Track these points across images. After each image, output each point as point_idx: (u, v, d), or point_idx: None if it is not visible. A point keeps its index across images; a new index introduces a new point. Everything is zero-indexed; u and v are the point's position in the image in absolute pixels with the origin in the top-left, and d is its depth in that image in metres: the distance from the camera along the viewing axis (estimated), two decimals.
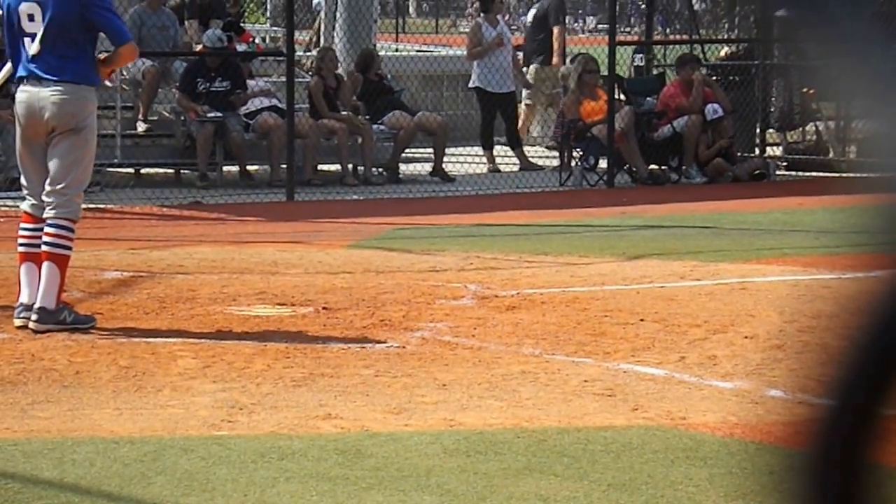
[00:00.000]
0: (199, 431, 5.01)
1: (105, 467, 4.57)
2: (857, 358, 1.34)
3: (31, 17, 6.62)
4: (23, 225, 6.76)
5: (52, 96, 6.57)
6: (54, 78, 6.59)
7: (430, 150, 14.62)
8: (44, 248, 6.52)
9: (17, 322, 6.66)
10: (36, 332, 6.48)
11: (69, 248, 6.57)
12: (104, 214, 11.46)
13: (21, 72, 6.69)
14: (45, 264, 6.51)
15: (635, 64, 15.84)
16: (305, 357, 6.21)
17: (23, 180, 6.78)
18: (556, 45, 15.95)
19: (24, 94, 6.66)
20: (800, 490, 1.33)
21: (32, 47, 6.61)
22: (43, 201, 6.61)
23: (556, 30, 15.95)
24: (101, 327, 6.75)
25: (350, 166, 14.04)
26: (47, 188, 6.58)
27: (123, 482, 4.43)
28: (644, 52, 16.13)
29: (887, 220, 1.32)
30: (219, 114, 13.49)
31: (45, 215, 6.56)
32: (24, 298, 6.68)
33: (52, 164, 6.60)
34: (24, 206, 6.78)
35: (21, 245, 6.72)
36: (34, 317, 6.53)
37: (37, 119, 6.61)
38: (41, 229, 6.63)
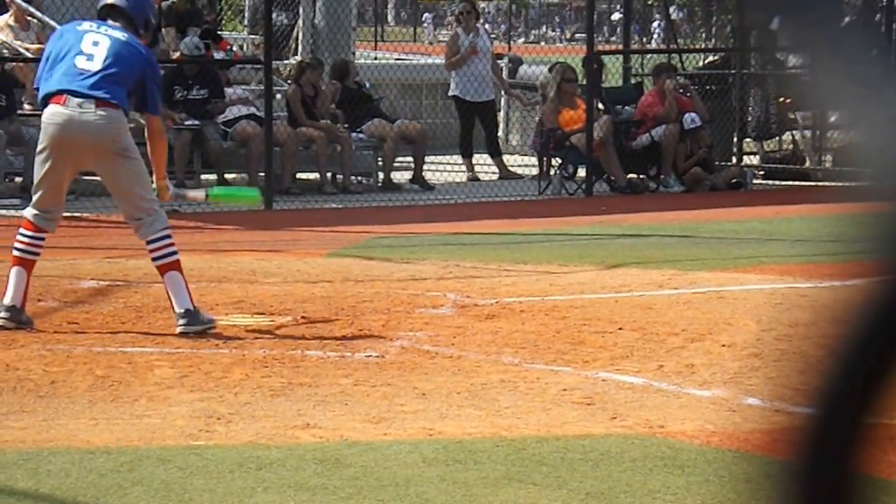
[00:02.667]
0: (177, 441, 4.99)
1: (81, 478, 4.54)
2: (840, 367, 1.34)
3: (94, 44, 6.73)
4: (23, 231, 6.85)
5: (94, 120, 6.63)
6: (98, 99, 6.63)
7: (410, 158, 14.62)
8: (159, 262, 6.74)
9: None
10: (186, 334, 6.66)
11: (177, 252, 6.78)
12: (80, 223, 11.41)
13: (61, 84, 6.65)
14: (167, 276, 6.72)
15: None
16: (284, 366, 6.19)
17: (36, 191, 6.81)
18: None
19: (61, 115, 6.62)
20: (783, 500, 1.33)
21: (88, 63, 6.66)
22: (133, 223, 6.77)
23: None
24: (77, 337, 6.72)
25: (329, 175, 14.03)
26: (131, 214, 6.76)
27: (99, 493, 4.40)
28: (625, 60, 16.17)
29: (866, 229, 1.32)
30: (196, 122, 13.46)
31: (142, 237, 6.76)
32: (6, 300, 6.80)
33: (120, 194, 6.76)
34: (28, 213, 6.86)
35: (16, 249, 6.82)
36: (183, 320, 6.69)
37: (74, 142, 6.65)
38: (41, 238, 6.81)
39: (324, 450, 4.87)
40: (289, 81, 14.92)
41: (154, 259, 6.77)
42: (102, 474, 4.57)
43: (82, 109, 6.64)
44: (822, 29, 1.30)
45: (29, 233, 6.81)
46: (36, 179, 6.81)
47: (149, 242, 6.76)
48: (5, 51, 13.63)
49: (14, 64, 13.58)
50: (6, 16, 13.70)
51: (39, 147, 6.78)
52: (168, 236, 6.77)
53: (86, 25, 6.86)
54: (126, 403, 5.54)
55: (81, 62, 6.68)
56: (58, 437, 5.04)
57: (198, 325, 6.71)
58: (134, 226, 6.80)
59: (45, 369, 6.07)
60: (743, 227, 11.60)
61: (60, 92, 6.67)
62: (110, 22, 6.83)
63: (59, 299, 7.74)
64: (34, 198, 6.82)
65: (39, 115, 6.76)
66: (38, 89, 6.88)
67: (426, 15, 43.81)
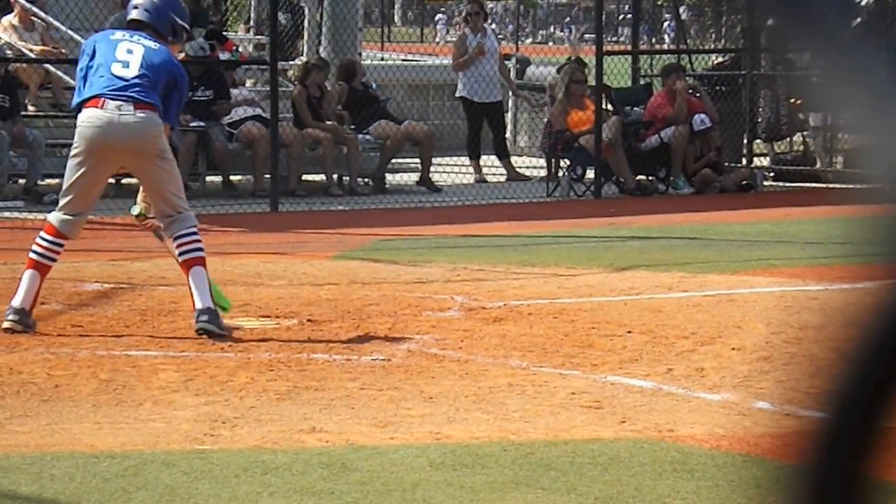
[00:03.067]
0: (181, 446, 4.99)
1: (85, 482, 4.55)
2: (851, 370, 1.34)
3: (129, 51, 6.79)
4: (43, 235, 6.86)
5: (134, 122, 6.68)
6: (136, 101, 6.68)
7: (417, 159, 14.63)
8: (185, 257, 6.75)
9: (5, 324, 6.74)
10: (209, 333, 6.67)
11: (203, 250, 6.82)
12: (84, 225, 11.41)
13: (99, 90, 6.69)
14: (192, 271, 6.72)
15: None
16: (290, 370, 6.20)
17: (64, 194, 6.82)
18: None
19: (101, 118, 6.66)
20: None
21: (124, 70, 6.72)
22: (164, 221, 6.81)
23: None
24: (81, 340, 6.73)
25: (335, 176, 14.03)
26: (164, 213, 6.80)
27: (104, 498, 4.41)
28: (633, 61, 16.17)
29: (877, 232, 1.32)
30: (201, 123, 13.47)
31: (171, 233, 6.79)
32: (16, 302, 6.79)
33: (157, 194, 6.81)
34: (53, 218, 6.86)
35: (34, 252, 6.83)
36: (204, 317, 6.70)
37: (114, 145, 6.68)
38: (61, 245, 6.82)
39: (330, 454, 4.87)
40: (295, 82, 14.94)
41: (180, 254, 6.78)
42: (106, 479, 4.57)
43: (121, 112, 6.69)
44: (831, 33, 1.30)
45: (49, 237, 6.80)
46: (67, 183, 6.80)
47: (176, 238, 6.79)
48: (9, 52, 13.63)
49: (18, 65, 13.60)
50: (10, 16, 13.73)
51: (74, 150, 6.78)
52: (195, 233, 6.81)
53: (118, 35, 6.94)
54: (130, 407, 5.55)
55: (118, 69, 6.75)
56: (61, 441, 5.04)
57: (216, 328, 6.71)
58: (165, 223, 6.85)
59: (48, 373, 6.08)
60: (753, 230, 11.59)
61: (98, 96, 6.70)
62: (141, 32, 6.92)
63: (63, 302, 7.75)
64: (62, 201, 6.81)
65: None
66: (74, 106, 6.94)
67: (439, 16, 43.81)
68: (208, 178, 13.81)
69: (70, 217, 6.80)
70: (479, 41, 15.22)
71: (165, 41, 6.92)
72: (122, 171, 8.36)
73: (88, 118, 6.72)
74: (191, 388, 5.85)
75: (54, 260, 6.83)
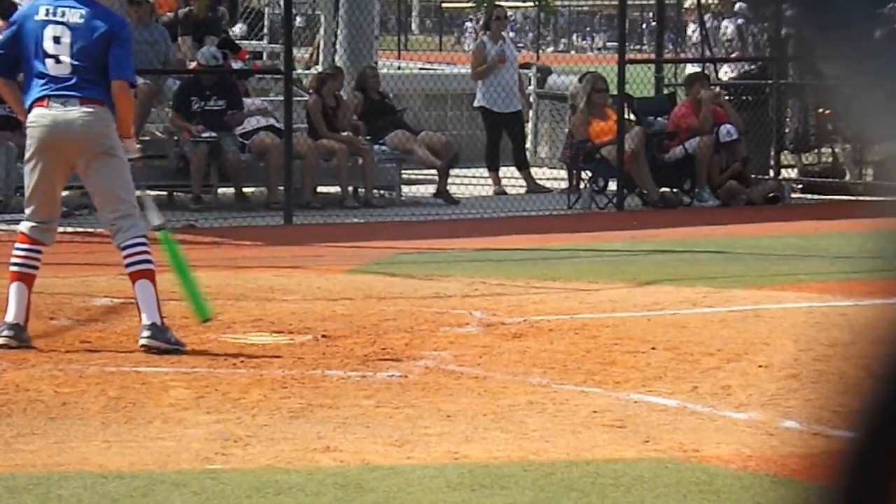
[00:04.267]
0: (192, 465, 4.99)
1: (93, 503, 4.55)
2: (882, 388, 1.33)
3: (56, 40, 6.69)
4: (18, 245, 6.87)
5: (80, 118, 6.65)
6: (81, 97, 6.63)
7: (434, 171, 14.63)
8: (131, 269, 6.70)
9: (1, 340, 6.74)
10: (150, 348, 6.62)
11: (152, 262, 6.75)
12: (93, 238, 11.44)
13: (42, 91, 6.68)
14: (138, 284, 6.68)
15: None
16: (303, 387, 6.19)
17: (28, 203, 6.84)
18: None
19: (46, 116, 6.67)
20: None
21: (58, 68, 6.66)
22: (110, 228, 6.74)
23: None
24: (90, 356, 6.74)
25: (350, 188, 14.05)
26: (109, 217, 6.74)
27: None
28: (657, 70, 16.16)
29: None
30: (213, 134, 13.51)
31: (118, 242, 6.72)
32: (8, 318, 6.79)
33: (101, 195, 6.74)
34: (23, 227, 6.88)
35: (14, 264, 6.83)
36: (147, 333, 6.66)
37: (61, 141, 6.67)
38: (38, 251, 6.81)
39: (345, 474, 4.87)
40: (309, 91, 14.97)
41: (127, 265, 6.72)
42: (115, 499, 4.58)
43: (66, 108, 6.66)
44: (859, 41, 1.30)
45: (25, 245, 6.82)
46: (28, 190, 6.83)
47: (123, 248, 6.71)
48: None
49: None
50: None
51: (27, 155, 6.80)
52: (144, 244, 6.73)
53: (42, 13, 6.73)
54: (140, 425, 5.55)
55: (51, 66, 6.67)
56: (69, 460, 5.05)
57: (162, 343, 6.65)
58: (111, 231, 6.77)
59: (56, 390, 6.09)
60: (780, 243, 11.55)
61: (43, 97, 6.69)
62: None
63: (72, 317, 7.77)
64: (28, 210, 6.84)
65: None
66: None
67: (468, 24, 43.71)
68: (220, 190, 13.84)
69: (39, 224, 6.80)
70: (498, 49, 15.24)
71: None
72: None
73: (36, 118, 6.72)
74: (202, 406, 5.86)
75: (36, 268, 6.82)
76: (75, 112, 6.65)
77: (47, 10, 6.73)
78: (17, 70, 6.91)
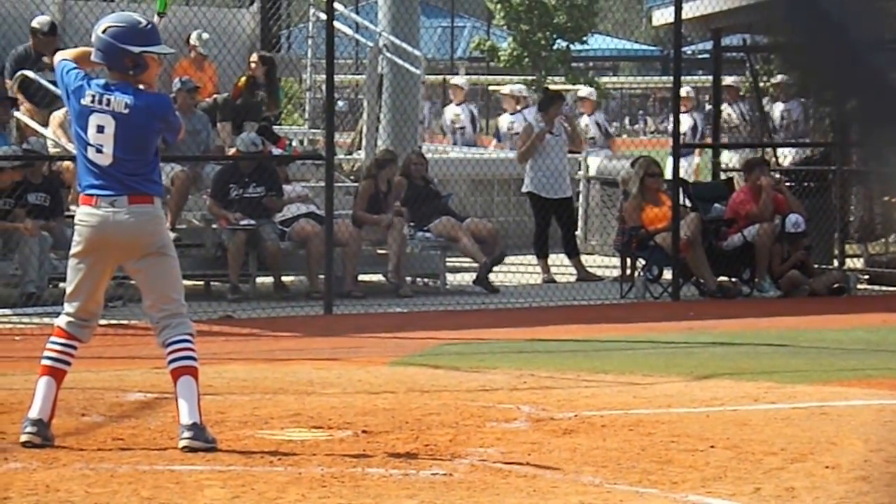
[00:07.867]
0: None
1: None
2: None
3: (100, 129, 6.69)
4: (53, 338, 6.85)
5: (129, 219, 6.66)
6: (130, 194, 6.65)
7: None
8: (175, 365, 6.69)
9: (24, 437, 6.71)
10: (192, 449, 6.62)
11: (197, 359, 6.77)
12: (127, 331, 11.50)
13: (90, 188, 6.70)
14: (181, 381, 6.67)
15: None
16: (343, 486, 6.15)
17: (69, 299, 6.82)
18: None
19: (94, 216, 6.68)
20: None
21: (100, 157, 6.68)
22: (155, 325, 6.77)
23: None
24: (122, 454, 6.73)
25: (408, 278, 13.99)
26: (156, 315, 6.75)
27: None
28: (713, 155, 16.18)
29: None
30: (252, 221, 13.59)
31: (166, 337, 6.73)
32: (33, 413, 6.74)
33: (151, 294, 6.76)
34: (61, 321, 6.86)
35: (46, 358, 6.81)
36: (188, 434, 6.66)
37: (111, 243, 6.69)
38: (74, 347, 6.80)
39: None
40: (351, 178, 15.07)
41: (170, 361, 6.69)
42: None
43: (115, 209, 6.66)
44: None
45: (61, 340, 6.79)
46: (70, 286, 6.82)
47: (168, 345, 6.70)
48: (54, 149, 13.84)
49: (62, 163, 13.78)
50: (60, 112, 13.90)
51: (73, 250, 6.80)
52: (190, 341, 6.73)
53: (87, 99, 6.72)
54: None
55: (94, 155, 6.68)
56: None
57: (202, 443, 6.63)
58: (156, 328, 6.77)
59: (87, 490, 6.07)
60: (847, 337, 11.44)
61: (89, 194, 6.70)
62: (111, 82, 6.72)
63: (104, 413, 7.77)
64: (68, 307, 6.81)
65: None
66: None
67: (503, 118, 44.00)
68: (259, 280, 13.90)
69: (79, 321, 6.79)
70: (544, 128, 15.29)
71: (129, 78, 6.70)
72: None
73: (84, 217, 6.73)
74: None
75: (69, 364, 6.79)
76: (123, 213, 6.65)
77: (93, 97, 6.73)
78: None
